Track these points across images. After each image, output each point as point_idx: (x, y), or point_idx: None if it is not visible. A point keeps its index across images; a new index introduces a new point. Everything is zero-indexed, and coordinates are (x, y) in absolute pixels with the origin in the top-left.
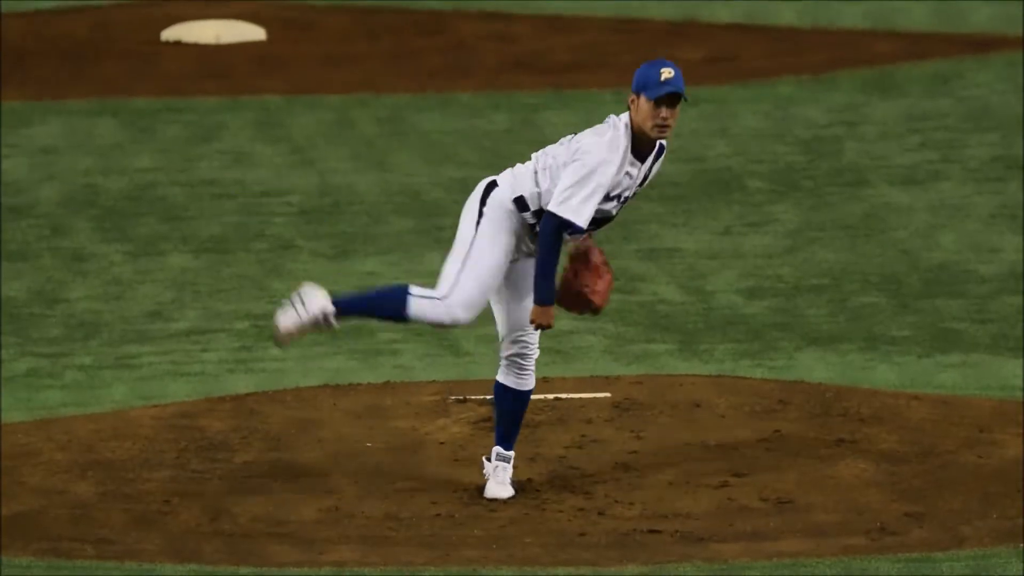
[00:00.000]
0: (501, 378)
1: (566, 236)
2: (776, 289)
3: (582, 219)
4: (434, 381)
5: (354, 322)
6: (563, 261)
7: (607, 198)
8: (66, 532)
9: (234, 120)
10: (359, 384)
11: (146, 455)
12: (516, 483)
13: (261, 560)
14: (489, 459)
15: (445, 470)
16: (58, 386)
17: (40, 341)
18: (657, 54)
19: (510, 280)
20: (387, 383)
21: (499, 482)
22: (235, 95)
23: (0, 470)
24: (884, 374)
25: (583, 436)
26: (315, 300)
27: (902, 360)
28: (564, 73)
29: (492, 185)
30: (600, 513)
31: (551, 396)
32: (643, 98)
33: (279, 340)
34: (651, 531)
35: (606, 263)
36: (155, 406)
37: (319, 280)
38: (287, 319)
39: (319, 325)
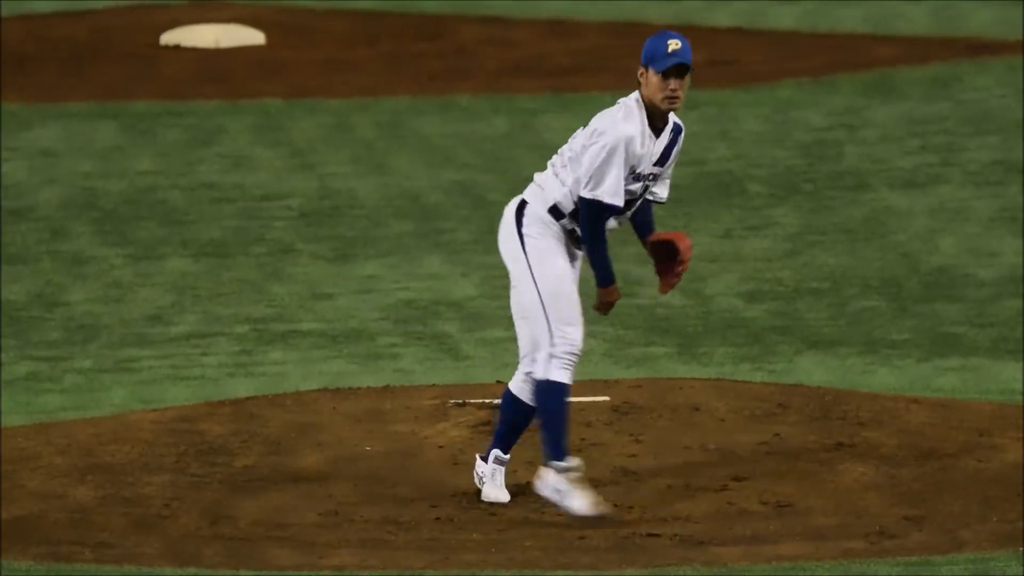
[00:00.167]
0: (514, 388)
1: (611, 223)
2: (776, 292)
3: (615, 197)
4: (434, 385)
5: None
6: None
7: (633, 177)
8: (65, 536)
9: (234, 124)
10: (359, 388)
11: (146, 459)
12: (515, 486)
13: (261, 564)
14: (485, 459)
15: (444, 474)
16: (58, 390)
17: (40, 345)
18: None
19: None
20: (387, 387)
21: (497, 485)
22: (235, 99)
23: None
24: (884, 378)
25: (582, 440)
26: (574, 492)
27: (902, 364)
28: (563, 77)
29: (522, 206)
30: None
31: None
32: (651, 71)
33: (592, 515)
34: (650, 534)
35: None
36: (155, 410)
37: (319, 282)
38: (577, 502)
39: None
